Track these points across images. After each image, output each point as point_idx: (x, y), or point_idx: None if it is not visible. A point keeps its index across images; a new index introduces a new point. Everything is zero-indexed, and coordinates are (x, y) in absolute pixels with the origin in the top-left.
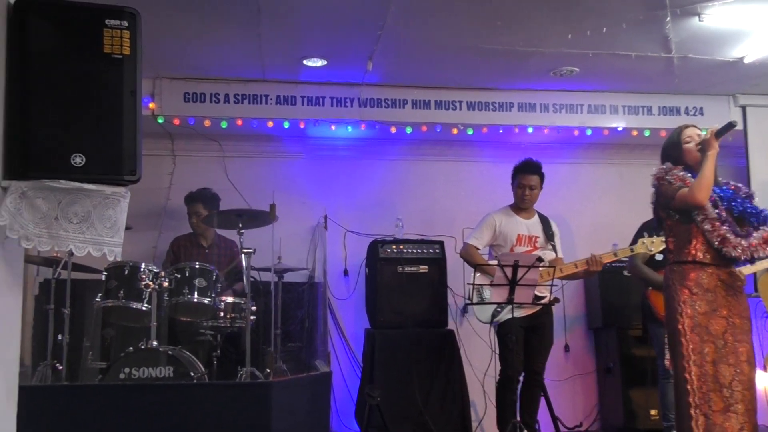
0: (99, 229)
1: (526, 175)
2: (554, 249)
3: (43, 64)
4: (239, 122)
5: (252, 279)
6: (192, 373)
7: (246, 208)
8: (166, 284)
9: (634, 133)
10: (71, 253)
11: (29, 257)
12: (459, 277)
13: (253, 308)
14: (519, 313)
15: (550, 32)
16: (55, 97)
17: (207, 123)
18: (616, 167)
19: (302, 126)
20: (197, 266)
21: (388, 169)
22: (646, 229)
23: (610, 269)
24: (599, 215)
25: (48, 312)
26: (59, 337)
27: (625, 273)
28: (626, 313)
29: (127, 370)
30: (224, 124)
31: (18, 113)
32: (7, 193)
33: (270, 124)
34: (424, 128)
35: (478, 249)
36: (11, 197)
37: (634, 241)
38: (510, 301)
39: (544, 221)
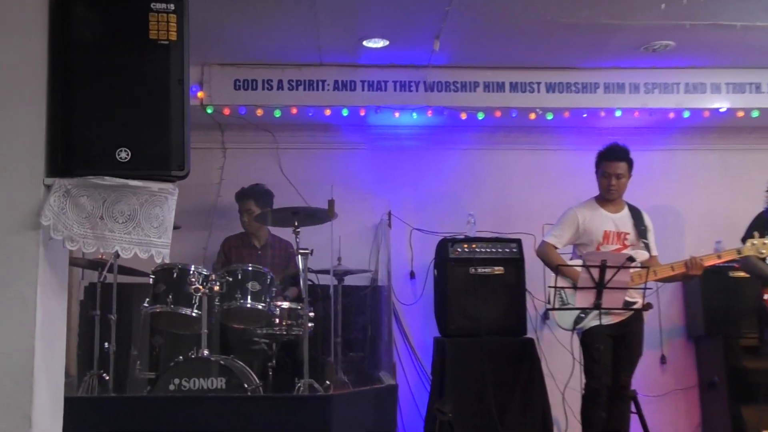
0: (146, 228)
1: (612, 161)
2: (647, 247)
3: (86, 53)
4: (294, 110)
5: (309, 282)
6: (246, 385)
7: (302, 205)
8: (217, 288)
9: (740, 114)
10: (117, 255)
11: (74, 260)
12: (539, 280)
13: (311, 314)
14: (607, 320)
15: (640, 2)
16: (99, 89)
17: (259, 112)
18: (719, 153)
19: (362, 113)
20: (250, 268)
21: (458, 159)
22: (760, 225)
23: (713, 269)
24: (700, 208)
25: (94, 318)
26: (105, 345)
27: (731, 275)
28: (734, 319)
29: (176, 381)
30: (278, 113)
31: (61, 107)
32: (50, 191)
33: (327, 112)
34: (498, 113)
35: (557, 248)
36: (55, 196)
37: (745, 238)
38: (597, 306)
39: (636, 215)
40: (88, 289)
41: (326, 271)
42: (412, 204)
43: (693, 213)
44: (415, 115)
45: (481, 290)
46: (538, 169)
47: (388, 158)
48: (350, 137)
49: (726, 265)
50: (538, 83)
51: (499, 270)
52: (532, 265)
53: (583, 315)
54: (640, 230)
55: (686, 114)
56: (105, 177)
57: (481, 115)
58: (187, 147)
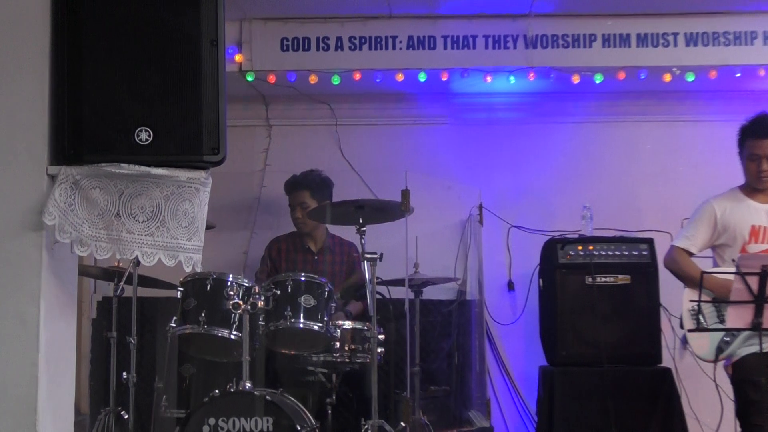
0: (172, 228)
1: (760, 140)
2: None
3: (97, 10)
4: (357, 76)
5: (379, 296)
6: (298, 427)
7: (368, 197)
8: (261, 304)
9: None
10: (137, 262)
11: (84, 268)
12: (677, 291)
13: (381, 337)
14: None
15: None
16: (112, 54)
17: (313, 79)
18: None
19: (445, 78)
20: (303, 278)
21: (568, 136)
22: None
23: None
24: None
25: (109, 341)
26: (124, 375)
27: None
28: None
29: (212, 421)
30: (336, 80)
31: (67, 77)
32: (55, 182)
33: (400, 77)
34: (622, 75)
35: (691, 254)
36: (60, 188)
37: None
38: (756, 326)
39: None
40: (102, 305)
41: (400, 282)
42: (509, 195)
43: None
44: (512, 79)
45: (601, 305)
46: (675, 147)
47: (478, 136)
48: (429, 109)
49: None
50: (675, 35)
51: (624, 279)
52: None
53: (728, 339)
54: None
55: None
56: (122, 164)
57: (599, 78)
58: (222, 125)
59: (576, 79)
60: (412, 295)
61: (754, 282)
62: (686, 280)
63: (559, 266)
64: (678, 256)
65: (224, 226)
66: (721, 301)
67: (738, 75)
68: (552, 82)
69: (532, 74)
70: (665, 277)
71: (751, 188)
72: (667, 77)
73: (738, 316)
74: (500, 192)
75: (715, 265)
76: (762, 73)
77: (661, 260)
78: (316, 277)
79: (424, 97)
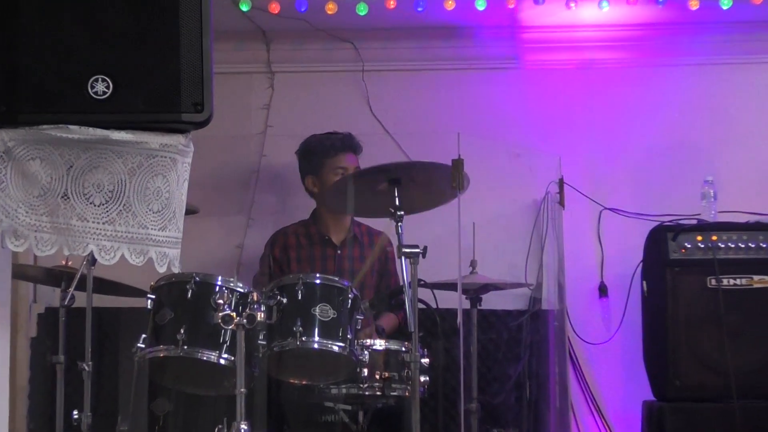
0: (140, 213)
1: None
2: None
3: None
4: (391, 3)
5: (421, 305)
6: None
7: (407, 163)
8: (261, 316)
9: None
10: (93, 260)
11: (20, 269)
12: None
13: (425, 361)
14: None
15: None
16: None
17: (331, 7)
18: None
19: (512, 4)
20: (319, 281)
21: (684, 83)
22: None
23: None
24: None
25: (55, 368)
26: (75, 413)
27: None
28: None
29: None
30: (363, 9)
31: None
32: None
33: (450, 3)
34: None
35: None
36: None
37: None
38: None
39: None
40: (45, 319)
41: (451, 286)
42: (601, 166)
43: None
44: (605, 5)
45: (729, 318)
46: None
47: (558, 85)
48: (490, 49)
49: None
50: None
51: (762, 281)
52: None
53: None
54: None
55: None
56: (70, 126)
57: (726, 3)
58: (207, 73)
59: (695, 5)
60: (467, 305)
61: None
62: None
63: (671, 263)
64: None
65: (211, 211)
66: None
67: None
68: (660, 9)
69: None
70: None
71: None
72: None
73: None
74: (588, 162)
75: None
76: None
77: None
78: (337, 279)
79: (483, 32)
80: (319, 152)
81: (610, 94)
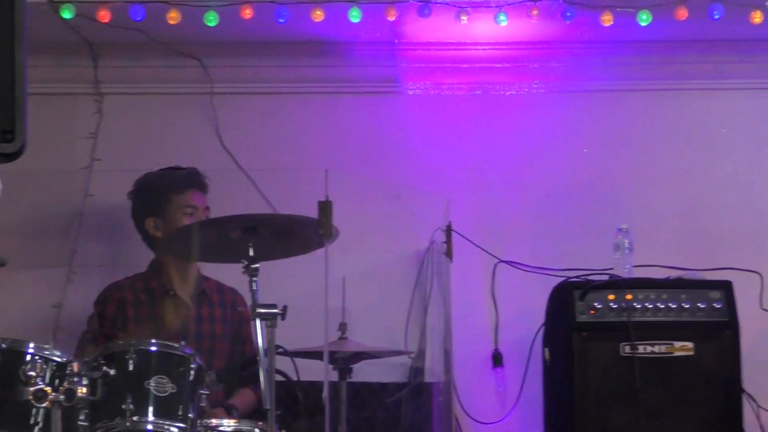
0: None
1: None
2: None
3: None
4: (247, 12)
5: (280, 377)
6: None
7: (267, 212)
8: (83, 391)
9: None
10: None
11: None
12: None
13: None
14: None
15: None
16: None
17: (173, 16)
18: None
19: (392, 17)
20: (155, 348)
21: (595, 112)
22: None
23: None
24: None
25: None
26: None
27: None
28: None
29: None
30: (213, 19)
31: None
32: None
33: (318, 14)
34: (682, 14)
35: None
36: None
37: None
38: None
39: None
40: None
41: (316, 354)
42: (495, 210)
43: None
44: (503, 18)
45: (648, 391)
46: None
47: (446, 114)
48: (366, 69)
49: None
50: None
51: (684, 348)
52: (758, 337)
53: None
54: None
55: None
56: None
57: (645, 18)
58: (20, 94)
59: (608, 21)
60: (335, 376)
61: None
62: None
63: (578, 327)
64: None
65: (23, 262)
66: None
67: None
68: (568, 27)
69: (535, 11)
70: (753, 343)
71: None
72: (757, 17)
73: None
74: (481, 205)
75: None
76: None
77: (743, 314)
78: (177, 346)
79: (358, 49)
80: (162, 188)
81: (507, 124)
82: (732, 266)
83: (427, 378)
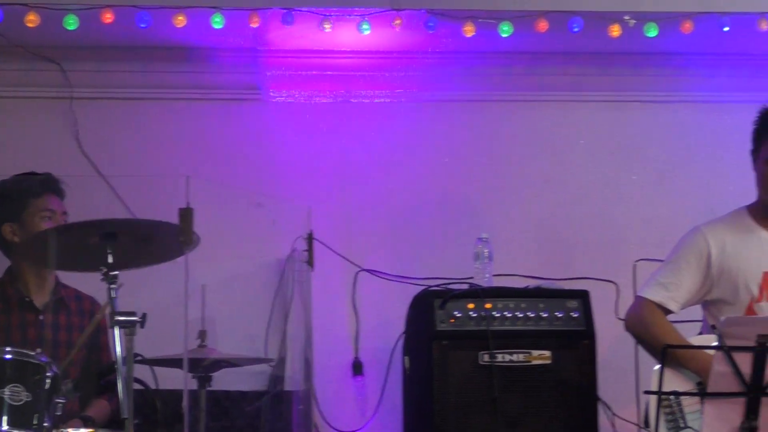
0: None
1: None
2: None
3: None
4: (107, 16)
5: (138, 385)
6: None
7: (126, 218)
8: None
9: None
10: None
11: None
12: (626, 375)
13: None
14: None
15: None
16: None
17: (31, 19)
18: None
19: (255, 23)
20: (9, 356)
21: (456, 121)
22: None
23: None
24: None
25: None
26: None
27: None
28: None
29: None
30: (72, 23)
31: None
32: None
33: (180, 20)
34: (543, 26)
35: (669, 311)
36: None
37: None
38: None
39: None
40: None
41: (175, 361)
42: (357, 219)
43: None
44: (366, 27)
45: (505, 399)
46: (627, 143)
47: (309, 122)
48: (229, 76)
49: None
50: None
51: (543, 357)
52: (614, 345)
53: None
54: None
55: None
56: None
57: (506, 31)
58: None
59: (470, 32)
60: (195, 385)
61: (746, 363)
62: (654, 351)
63: (438, 335)
64: (649, 315)
65: None
66: (701, 394)
67: (726, 29)
68: (431, 37)
69: (398, 20)
70: (608, 352)
71: (766, 211)
72: (615, 30)
73: (722, 415)
74: (343, 214)
75: (707, 331)
76: (764, 26)
77: (600, 323)
78: (33, 354)
79: (221, 56)
80: (18, 193)
81: (370, 132)
82: (589, 276)
83: (287, 386)
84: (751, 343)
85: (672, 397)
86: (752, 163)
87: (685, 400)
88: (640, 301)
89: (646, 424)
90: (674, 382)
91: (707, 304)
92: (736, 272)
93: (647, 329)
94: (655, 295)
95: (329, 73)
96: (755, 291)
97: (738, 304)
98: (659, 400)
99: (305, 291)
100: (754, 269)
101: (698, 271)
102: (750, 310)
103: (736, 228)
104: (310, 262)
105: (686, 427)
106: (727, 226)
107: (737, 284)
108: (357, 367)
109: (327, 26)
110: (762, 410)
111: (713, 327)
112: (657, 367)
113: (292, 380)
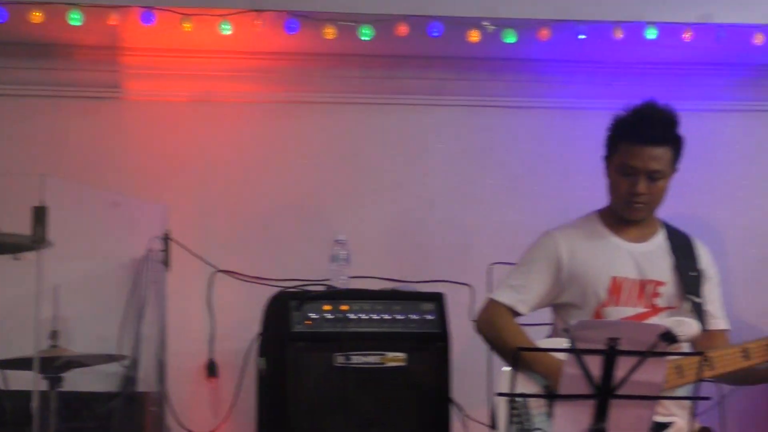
0: None
1: (640, 145)
2: (700, 312)
3: None
4: None
5: None
6: None
7: None
8: None
9: None
10: None
11: None
12: (479, 377)
13: None
14: None
15: None
16: None
17: None
18: None
19: (113, 22)
20: None
21: (314, 124)
22: None
23: None
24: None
25: None
26: None
27: None
28: None
29: None
30: None
31: None
32: None
33: (36, 16)
34: (402, 29)
35: (518, 314)
36: None
37: None
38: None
39: (681, 245)
40: None
41: (25, 362)
42: (214, 219)
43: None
44: (226, 27)
45: (359, 401)
46: (487, 147)
47: (166, 121)
48: (87, 73)
49: None
50: None
51: (396, 359)
52: (468, 347)
53: None
54: (688, 278)
55: None
56: None
57: (366, 34)
58: None
59: (330, 34)
60: (45, 385)
61: (595, 365)
62: (504, 352)
63: (294, 337)
64: (498, 317)
65: None
66: (551, 396)
67: (582, 37)
68: (292, 38)
69: (258, 21)
70: (461, 354)
71: (616, 216)
72: (474, 36)
73: (570, 417)
74: (201, 214)
75: (556, 334)
76: (620, 35)
77: (455, 326)
78: None
79: (79, 53)
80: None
81: (228, 133)
82: (444, 279)
83: (141, 387)
84: (602, 346)
85: (519, 399)
86: (605, 169)
87: (532, 402)
88: (489, 304)
89: (493, 425)
90: (521, 384)
91: (557, 308)
92: (585, 277)
93: (496, 331)
94: (505, 297)
95: (189, 72)
96: (603, 295)
97: (586, 308)
98: (511, 402)
99: (160, 291)
100: (603, 274)
101: (548, 274)
102: (597, 315)
103: (587, 233)
104: (166, 262)
105: (534, 429)
106: (578, 230)
107: (586, 289)
108: (211, 369)
109: (187, 26)
110: (611, 411)
111: (565, 330)
112: (505, 368)
113: (146, 381)
